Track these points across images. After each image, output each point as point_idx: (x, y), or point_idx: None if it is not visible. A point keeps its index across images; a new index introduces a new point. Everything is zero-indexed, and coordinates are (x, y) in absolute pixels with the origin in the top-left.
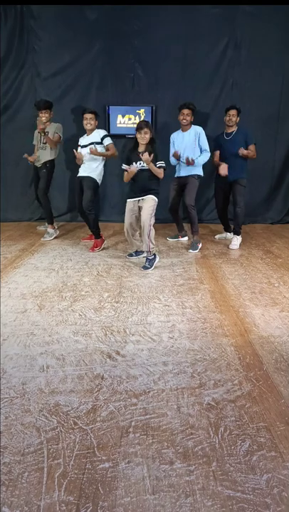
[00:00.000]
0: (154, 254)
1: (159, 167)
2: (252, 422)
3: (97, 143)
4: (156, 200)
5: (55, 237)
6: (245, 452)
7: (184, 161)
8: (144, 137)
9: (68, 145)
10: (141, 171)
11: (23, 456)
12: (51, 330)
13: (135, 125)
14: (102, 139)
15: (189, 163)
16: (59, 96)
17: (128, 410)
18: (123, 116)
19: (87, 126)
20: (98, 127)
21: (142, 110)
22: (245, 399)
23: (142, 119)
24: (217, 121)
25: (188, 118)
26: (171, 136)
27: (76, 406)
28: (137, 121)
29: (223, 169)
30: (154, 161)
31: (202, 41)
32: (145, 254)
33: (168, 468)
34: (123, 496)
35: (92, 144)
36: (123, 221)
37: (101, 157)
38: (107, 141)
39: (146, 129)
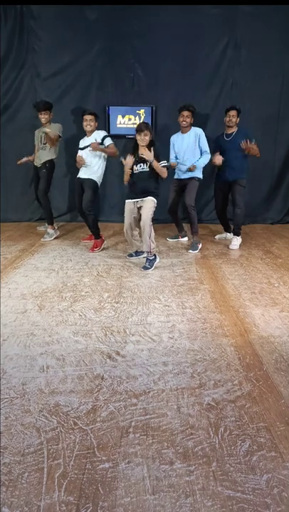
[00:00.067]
0: (154, 255)
1: (163, 166)
2: (252, 422)
3: (98, 144)
4: (156, 201)
5: (55, 238)
6: (245, 452)
7: (185, 169)
8: (143, 139)
9: (68, 145)
10: (140, 172)
11: (23, 457)
12: (51, 330)
13: (135, 125)
14: (103, 139)
15: (191, 170)
16: (59, 96)
17: (128, 410)
18: (123, 117)
19: (87, 128)
20: (98, 128)
21: (142, 110)
22: (245, 399)
23: (141, 119)
24: (217, 122)
25: (188, 120)
26: (171, 138)
27: (76, 406)
28: (137, 121)
29: (218, 159)
30: (156, 161)
31: (202, 41)
32: (145, 255)
33: (168, 469)
34: (123, 496)
35: (90, 145)
36: (123, 221)
37: (101, 159)
38: (108, 141)
39: (146, 131)
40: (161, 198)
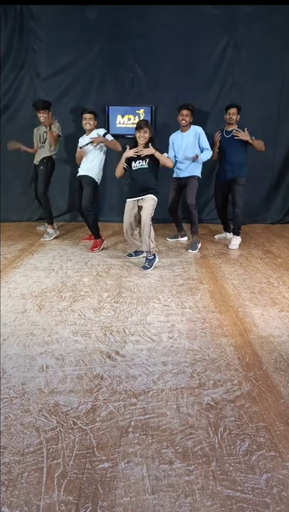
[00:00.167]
0: (154, 255)
1: (167, 157)
2: (251, 421)
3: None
4: (156, 199)
5: (55, 238)
6: (244, 452)
7: (184, 167)
8: (143, 136)
9: (68, 145)
10: (139, 169)
11: (22, 456)
12: (51, 330)
13: (135, 125)
14: (103, 136)
15: (195, 160)
16: (59, 96)
17: (127, 410)
18: (122, 117)
19: (86, 126)
20: (97, 127)
21: (142, 110)
22: (244, 399)
23: (141, 119)
24: (217, 122)
25: (188, 119)
26: (170, 137)
27: (76, 406)
28: (137, 121)
29: (217, 136)
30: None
31: (202, 41)
32: (145, 254)
33: (167, 468)
34: (122, 495)
35: (91, 143)
36: (122, 221)
37: (100, 156)
38: (109, 137)
39: (145, 128)
40: (161, 198)
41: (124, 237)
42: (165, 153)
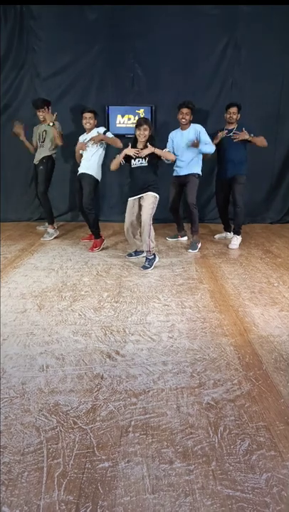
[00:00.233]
0: (154, 254)
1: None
2: (251, 421)
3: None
4: (157, 196)
5: (55, 237)
6: (244, 451)
7: (183, 165)
8: (143, 134)
9: (68, 144)
10: (139, 167)
11: (22, 456)
12: (51, 330)
13: (134, 125)
14: (104, 134)
15: (194, 144)
16: (59, 96)
17: (128, 410)
18: (122, 116)
19: (86, 126)
20: (97, 127)
21: (142, 110)
22: (244, 398)
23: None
24: (216, 122)
25: (188, 117)
26: (170, 134)
27: (76, 406)
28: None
29: (221, 134)
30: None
31: (202, 41)
32: (145, 254)
33: (167, 468)
34: (123, 495)
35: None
36: (122, 221)
37: (100, 154)
38: (109, 134)
39: (145, 126)
40: (162, 197)
41: (124, 237)
42: (165, 149)
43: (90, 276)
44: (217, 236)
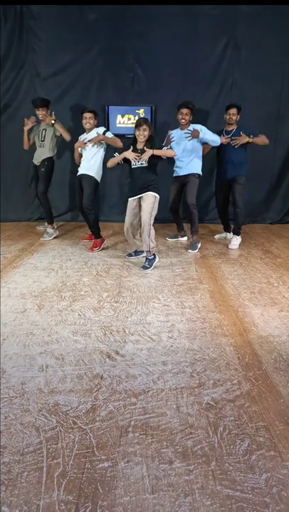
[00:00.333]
0: (154, 254)
1: (167, 149)
2: (251, 421)
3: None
4: (157, 196)
5: (55, 237)
6: (244, 452)
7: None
8: (142, 134)
9: (68, 144)
10: (138, 167)
11: (22, 456)
12: (50, 330)
13: (134, 125)
14: (103, 134)
15: (193, 134)
16: (59, 96)
17: (127, 410)
18: (122, 116)
19: (86, 126)
20: (97, 127)
21: (142, 110)
22: (244, 398)
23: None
24: (216, 122)
25: (187, 117)
26: (170, 132)
27: (75, 406)
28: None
29: (225, 139)
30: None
31: (202, 41)
32: (144, 254)
33: (167, 468)
34: (122, 495)
35: (90, 141)
36: (122, 221)
37: (100, 154)
38: (109, 134)
39: (145, 126)
40: (162, 197)
41: (124, 237)
42: (164, 148)
43: (90, 276)
44: (217, 236)
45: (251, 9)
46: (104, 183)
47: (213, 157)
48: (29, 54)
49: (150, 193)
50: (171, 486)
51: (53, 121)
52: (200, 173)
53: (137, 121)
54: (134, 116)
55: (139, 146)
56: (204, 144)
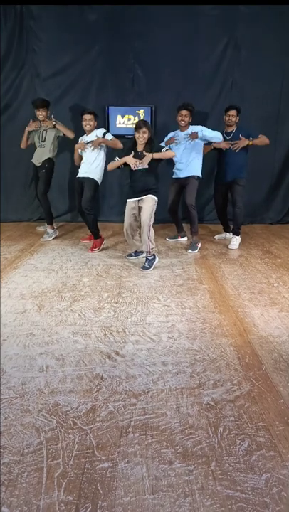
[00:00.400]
0: (154, 255)
1: (166, 150)
2: (251, 421)
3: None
4: (156, 199)
5: (55, 238)
6: (244, 452)
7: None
8: (142, 136)
9: (68, 145)
10: (139, 170)
11: (22, 456)
12: (51, 330)
13: (134, 125)
14: (103, 136)
15: (194, 137)
16: (59, 96)
17: (127, 410)
18: (122, 117)
19: (86, 127)
20: (97, 128)
21: (142, 111)
22: (244, 399)
23: (141, 119)
24: (216, 122)
25: (187, 119)
26: (169, 134)
27: (75, 406)
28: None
29: (226, 144)
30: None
31: (202, 41)
32: (144, 255)
33: (167, 468)
34: (122, 495)
35: (90, 143)
36: (122, 221)
37: (101, 157)
38: (109, 136)
39: (144, 129)
40: (161, 198)
41: (124, 238)
42: (165, 148)
43: (90, 277)
44: (217, 236)
45: (251, 9)
46: (105, 184)
47: (214, 157)
48: (29, 54)
49: (150, 196)
50: (171, 487)
51: (54, 123)
52: (200, 175)
53: (137, 123)
54: (134, 117)
55: (139, 148)
56: (206, 144)
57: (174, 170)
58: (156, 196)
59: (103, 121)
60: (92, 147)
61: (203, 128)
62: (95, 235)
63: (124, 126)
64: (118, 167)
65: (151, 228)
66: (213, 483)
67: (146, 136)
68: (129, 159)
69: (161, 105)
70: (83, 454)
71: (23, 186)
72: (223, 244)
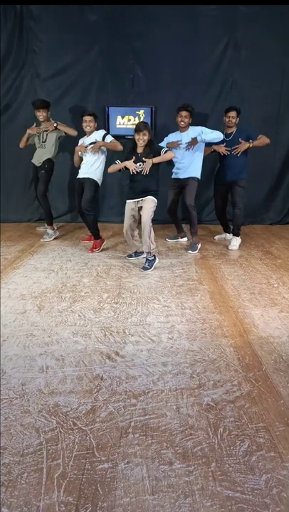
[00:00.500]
0: (154, 255)
1: (165, 151)
2: (251, 422)
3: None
4: (156, 201)
5: (55, 238)
6: (244, 453)
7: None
8: (142, 139)
9: (68, 146)
10: (140, 172)
11: (22, 457)
12: (51, 331)
13: (134, 126)
14: (103, 138)
15: (192, 143)
16: (59, 97)
17: (127, 411)
18: (122, 117)
19: (87, 129)
20: (97, 128)
21: (142, 111)
22: (244, 399)
23: (141, 120)
24: (216, 122)
25: (186, 120)
26: (169, 135)
27: (75, 407)
28: (137, 122)
29: (223, 149)
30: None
31: (202, 42)
32: (145, 255)
33: (167, 469)
34: (122, 496)
35: (92, 143)
36: (122, 222)
37: (101, 159)
38: (109, 138)
39: (144, 131)
40: (160, 199)
41: (124, 238)
42: (165, 149)
43: (90, 278)
44: (217, 237)
45: (251, 10)
46: (105, 184)
47: (214, 158)
48: (29, 55)
49: (150, 197)
50: (171, 487)
51: (55, 125)
52: (199, 177)
53: (137, 125)
54: (134, 118)
55: (139, 150)
56: (206, 146)
57: (173, 170)
58: (156, 198)
59: (103, 122)
60: (93, 152)
61: (203, 129)
62: (95, 235)
63: (124, 126)
64: (119, 170)
65: (152, 229)
66: (213, 483)
67: (146, 138)
68: (130, 164)
69: (162, 105)
70: (83, 454)
71: (23, 187)
72: (223, 244)
